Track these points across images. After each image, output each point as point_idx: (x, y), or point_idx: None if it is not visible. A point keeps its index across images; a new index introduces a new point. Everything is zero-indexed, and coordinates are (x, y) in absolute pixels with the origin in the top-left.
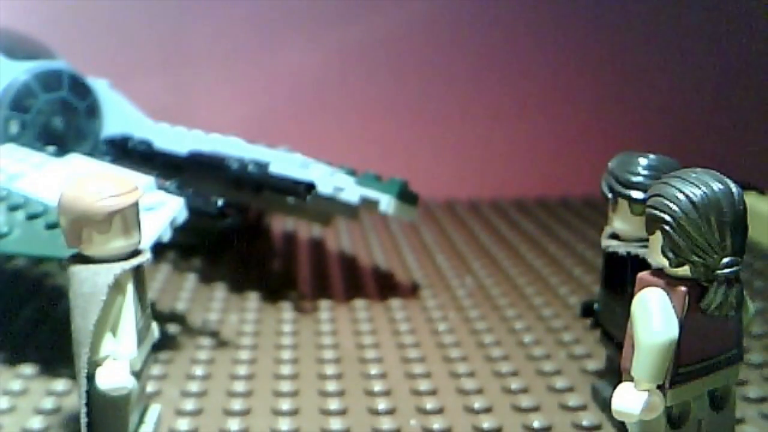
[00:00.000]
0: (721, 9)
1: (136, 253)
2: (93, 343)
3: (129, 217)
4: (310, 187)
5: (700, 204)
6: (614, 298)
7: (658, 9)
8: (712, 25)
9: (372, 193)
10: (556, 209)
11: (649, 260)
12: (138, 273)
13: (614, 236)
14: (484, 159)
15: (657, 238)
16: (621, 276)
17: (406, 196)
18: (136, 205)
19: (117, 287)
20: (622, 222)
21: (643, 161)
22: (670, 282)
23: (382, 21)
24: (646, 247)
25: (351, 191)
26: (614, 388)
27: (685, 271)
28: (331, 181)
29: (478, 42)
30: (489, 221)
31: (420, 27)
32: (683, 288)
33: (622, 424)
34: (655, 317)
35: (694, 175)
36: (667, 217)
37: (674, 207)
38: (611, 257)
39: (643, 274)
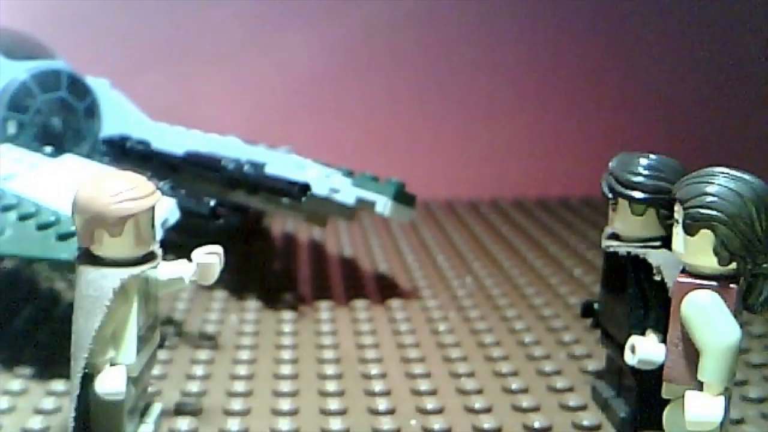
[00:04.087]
0: (721, 8)
1: (147, 258)
2: (94, 346)
3: (143, 222)
4: (305, 188)
5: (749, 200)
6: (614, 298)
7: (658, 8)
8: (712, 25)
9: (368, 195)
10: (556, 209)
11: (650, 260)
12: (147, 278)
13: (614, 236)
14: (484, 159)
15: (704, 239)
16: (621, 276)
17: (402, 197)
18: (151, 209)
19: (122, 292)
20: (622, 222)
21: (643, 161)
22: (719, 282)
23: (381, 21)
24: (646, 247)
25: (347, 192)
26: (614, 388)
27: (724, 269)
28: (326, 182)
29: (478, 41)
30: (489, 221)
31: (419, 26)
32: (734, 286)
33: (622, 424)
34: (721, 320)
35: (724, 173)
36: (721, 216)
37: (726, 204)
38: (611, 257)
39: (684, 279)
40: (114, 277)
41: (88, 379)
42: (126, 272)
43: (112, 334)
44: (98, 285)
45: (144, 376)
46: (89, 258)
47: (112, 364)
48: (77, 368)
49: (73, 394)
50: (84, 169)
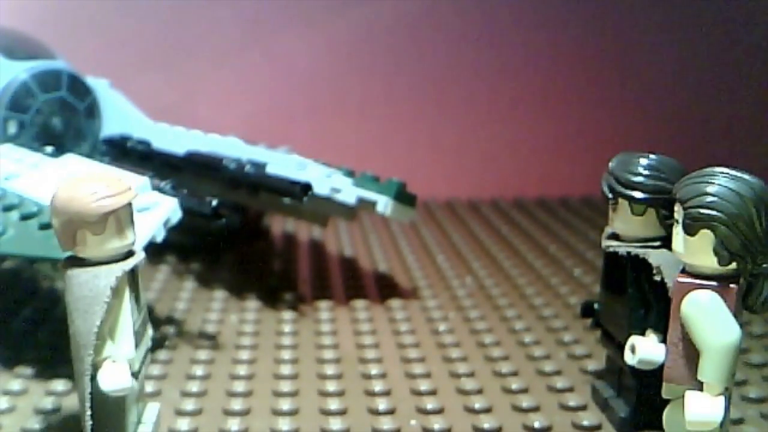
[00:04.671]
0: (721, 8)
1: (130, 253)
2: (96, 345)
3: (123, 218)
4: (306, 187)
5: (749, 200)
6: (614, 298)
7: (658, 8)
8: (712, 25)
9: (369, 195)
10: (556, 209)
11: (650, 260)
12: (133, 274)
13: (614, 236)
14: (484, 159)
15: (704, 239)
16: (621, 276)
17: (403, 197)
18: (129, 205)
19: (115, 289)
20: (622, 222)
21: (643, 161)
22: (719, 282)
23: (381, 21)
24: (646, 247)
25: (348, 192)
26: (614, 388)
27: (724, 269)
28: (328, 182)
29: (478, 41)
30: (489, 221)
31: (419, 26)
32: (734, 286)
33: (622, 424)
34: (720, 320)
35: (724, 173)
36: (721, 216)
37: (726, 204)
38: (611, 257)
39: (684, 279)
40: (107, 275)
41: (92, 378)
42: (119, 268)
43: (109, 331)
44: (93, 285)
45: (141, 372)
46: (75, 261)
47: (112, 362)
48: (83, 369)
49: (85, 395)
50: (85, 168)
